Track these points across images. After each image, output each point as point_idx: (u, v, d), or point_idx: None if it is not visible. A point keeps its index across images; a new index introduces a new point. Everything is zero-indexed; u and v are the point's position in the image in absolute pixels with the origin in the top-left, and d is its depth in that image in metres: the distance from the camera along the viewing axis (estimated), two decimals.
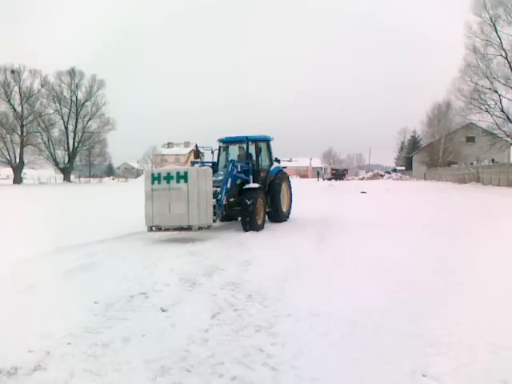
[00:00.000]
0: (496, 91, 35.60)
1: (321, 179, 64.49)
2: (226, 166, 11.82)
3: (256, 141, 12.41)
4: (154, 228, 9.49)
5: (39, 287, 5.75)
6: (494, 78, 35.46)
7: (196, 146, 13.38)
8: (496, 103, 35.84)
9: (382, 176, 65.39)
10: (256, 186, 11.44)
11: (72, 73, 67.34)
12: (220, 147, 12.81)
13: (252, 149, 12.29)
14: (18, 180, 59.95)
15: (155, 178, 9.43)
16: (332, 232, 10.41)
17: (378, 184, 43.32)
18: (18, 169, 61.31)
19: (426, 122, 61.62)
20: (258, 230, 10.66)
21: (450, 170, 46.75)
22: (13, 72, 62.36)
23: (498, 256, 7.24)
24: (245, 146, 12.24)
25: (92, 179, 75.79)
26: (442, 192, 25.47)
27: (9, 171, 69.54)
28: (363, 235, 9.81)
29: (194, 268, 6.77)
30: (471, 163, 43.88)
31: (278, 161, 13.39)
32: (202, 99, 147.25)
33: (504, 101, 35.52)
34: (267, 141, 12.97)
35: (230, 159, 11.86)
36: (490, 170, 34.65)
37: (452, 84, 39.24)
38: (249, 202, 10.65)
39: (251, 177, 11.79)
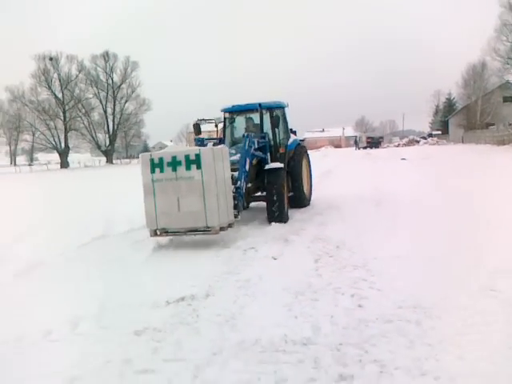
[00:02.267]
0: None
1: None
2: (234, 143, 10.07)
3: (271, 109, 10.11)
4: (158, 232, 7.39)
5: (166, 249, 7.26)
6: None
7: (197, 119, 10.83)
8: None
9: (418, 142, 64.95)
10: (279, 165, 9.36)
11: (106, 56, 69.32)
12: (225, 119, 10.49)
13: (266, 119, 10.04)
14: (65, 165, 62.96)
15: (156, 165, 7.21)
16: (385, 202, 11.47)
17: (416, 150, 43.55)
18: (64, 154, 64.38)
19: (461, 84, 60.42)
20: (286, 221, 8.84)
21: (488, 132, 46.32)
22: (51, 59, 64.79)
23: None
24: (257, 115, 9.90)
25: (132, 160, 78.46)
26: (485, 155, 26.00)
27: (49, 157, 73.02)
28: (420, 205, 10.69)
29: (280, 229, 8.11)
30: (510, 124, 43.40)
31: (294, 133, 11.19)
32: (227, 71, 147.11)
33: None
34: (282, 108, 10.66)
35: (244, 134, 9.08)
36: None
37: (487, 44, 38.73)
38: (276, 187, 8.74)
39: (268, 154, 9.78)
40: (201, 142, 9.41)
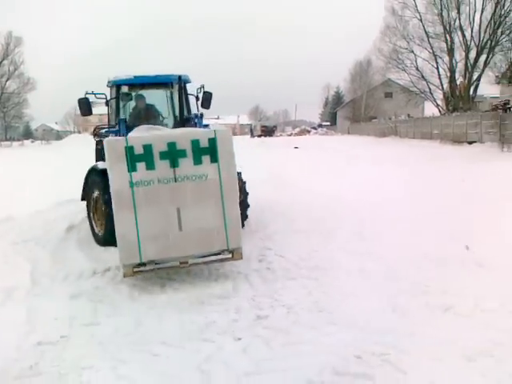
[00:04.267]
0: (412, 51, 38.93)
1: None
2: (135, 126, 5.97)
3: (186, 84, 7.23)
4: (145, 266, 4.70)
5: None
6: (410, 39, 38.71)
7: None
8: (412, 62, 39.34)
9: (309, 132, 68.63)
10: None
11: None
12: (120, 94, 6.98)
13: (174, 97, 7.35)
14: None
15: (139, 158, 4.61)
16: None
17: (307, 139, 46.19)
18: None
19: (349, 79, 65.43)
20: None
21: (371, 125, 50.71)
22: None
23: None
24: (176, 91, 7.15)
25: (13, 142, 72.87)
26: (367, 144, 28.70)
27: None
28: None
29: None
30: (390, 118, 47.90)
31: None
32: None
33: (419, 60, 38.96)
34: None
35: (196, 113, 7.03)
36: (406, 125, 38.59)
37: (373, 44, 42.26)
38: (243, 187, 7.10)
39: None
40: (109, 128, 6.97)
